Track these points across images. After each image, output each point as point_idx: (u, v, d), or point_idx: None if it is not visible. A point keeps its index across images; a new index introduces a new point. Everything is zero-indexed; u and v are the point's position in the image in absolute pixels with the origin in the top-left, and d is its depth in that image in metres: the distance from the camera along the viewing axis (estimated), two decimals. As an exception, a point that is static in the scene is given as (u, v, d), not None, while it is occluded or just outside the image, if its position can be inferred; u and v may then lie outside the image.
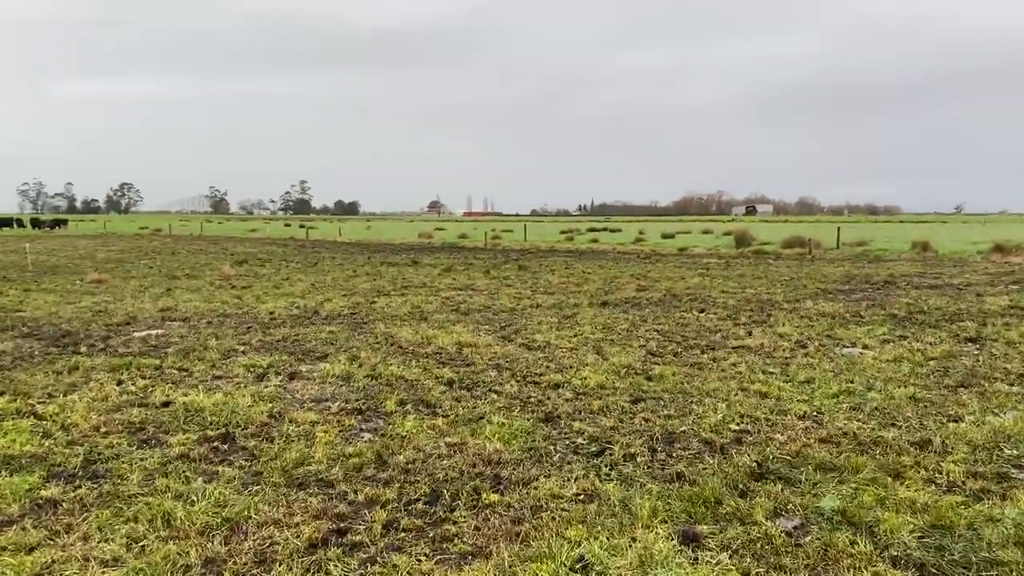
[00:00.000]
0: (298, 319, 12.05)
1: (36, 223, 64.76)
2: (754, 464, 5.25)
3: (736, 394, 7.22)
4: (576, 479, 5.01)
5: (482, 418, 6.37)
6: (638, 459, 5.44)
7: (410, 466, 5.25)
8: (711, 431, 6.08)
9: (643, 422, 6.35)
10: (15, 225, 62.64)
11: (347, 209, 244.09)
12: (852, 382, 7.60)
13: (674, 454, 5.57)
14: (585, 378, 7.80)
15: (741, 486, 4.85)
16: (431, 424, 6.19)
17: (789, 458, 5.39)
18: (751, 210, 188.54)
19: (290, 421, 6.28)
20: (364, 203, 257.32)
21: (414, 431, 6.00)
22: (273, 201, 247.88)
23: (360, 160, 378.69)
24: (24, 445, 5.48)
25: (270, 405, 6.71)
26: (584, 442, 5.85)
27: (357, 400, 6.98)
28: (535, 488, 4.84)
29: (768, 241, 34.88)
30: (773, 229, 57.36)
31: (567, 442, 5.85)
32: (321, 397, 7.12)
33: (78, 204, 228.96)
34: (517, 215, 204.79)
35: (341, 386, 7.54)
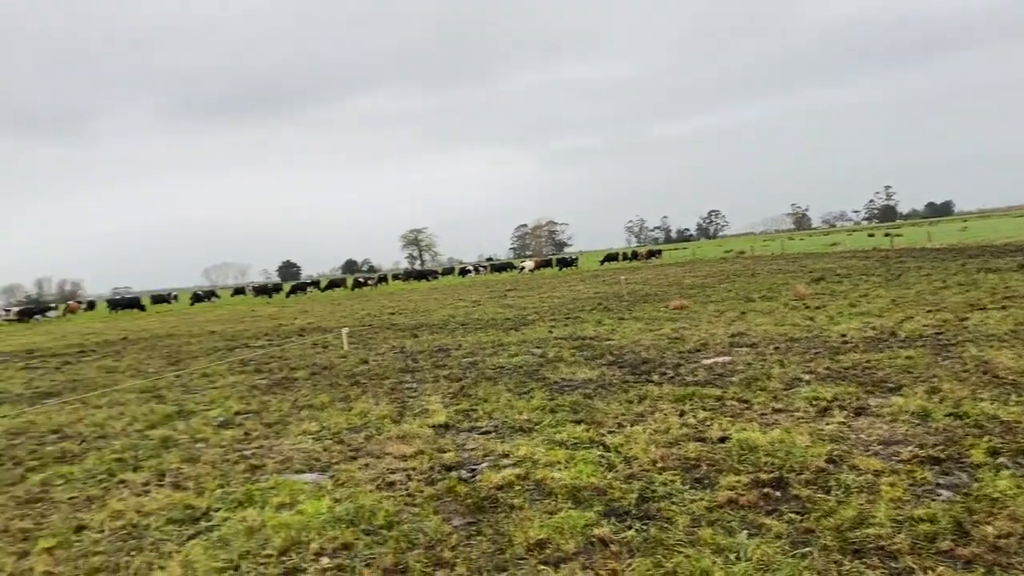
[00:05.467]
0: (872, 342, 10.97)
1: (616, 256, 72.77)
2: None
3: None
4: None
5: (1116, 482, 4.77)
6: None
7: (1002, 542, 4.12)
8: None
9: None
10: (620, 259, 71.35)
11: (939, 211, 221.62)
12: None
13: None
14: None
15: None
16: (1036, 485, 4.84)
17: None
18: None
19: (851, 468, 5.56)
20: (959, 202, 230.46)
21: (1010, 493, 4.76)
22: (856, 211, 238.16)
23: (952, 156, 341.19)
24: (589, 477, 5.85)
25: (830, 447, 6.06)
26: None
27: (934, 446, 5.88)
28: None
29: None
30: None
31: None
32: (890, 439, 6.20)
33: (673, 234, 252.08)
34: None
35: (916, 426, 6.48)
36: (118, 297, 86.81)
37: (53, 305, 70.36)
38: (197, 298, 66.16)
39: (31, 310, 61.24)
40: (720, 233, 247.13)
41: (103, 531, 5.72)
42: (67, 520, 6.04)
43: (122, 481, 7.07)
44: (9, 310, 62.87)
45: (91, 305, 72.81)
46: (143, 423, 9.81)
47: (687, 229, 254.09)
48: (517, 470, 6.17)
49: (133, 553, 5.21)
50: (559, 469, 6.11)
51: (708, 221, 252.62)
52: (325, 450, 7.58)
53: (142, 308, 59.35)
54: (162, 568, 4.87)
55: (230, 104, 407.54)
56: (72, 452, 8.50)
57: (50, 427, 10.16)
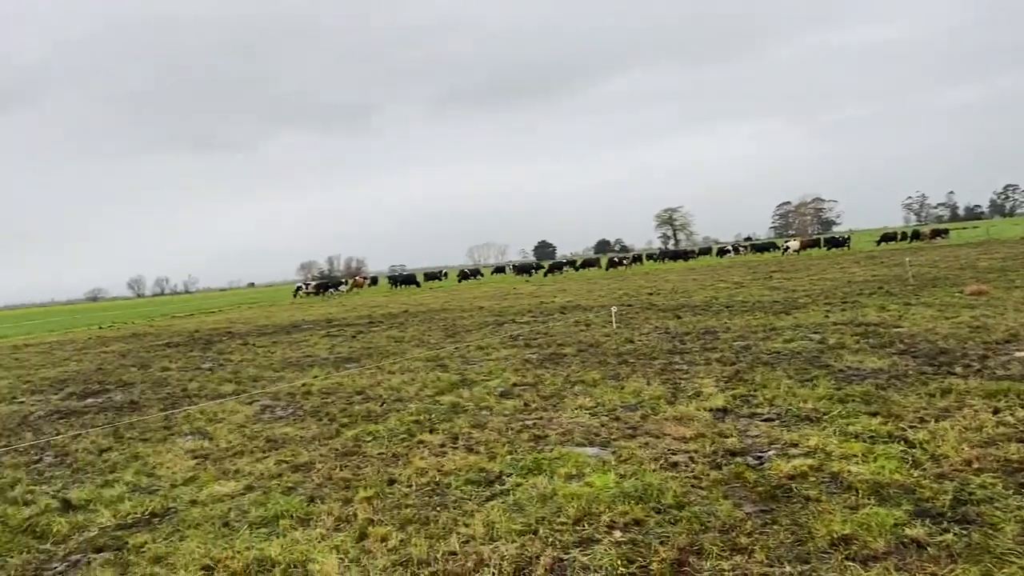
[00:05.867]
0: None
1: (894, 236, 66.32)
2: None
3: None
4: None
5: None
6: None
7: None
8: None
9: None
10: (900, 238, 65.44)
11: None
12: None
13: None
14: None
15: None
16: None
17: None
18: None
19: None
20: None
21: None
22: None
23: None
24: (893, 473, 5.45)
25: None
26: None
27: None
28: None
29: None
30: None
31: None
32: None
33: (960, 212, 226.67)
34: None
35: None
36: (396, 274, 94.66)
37: (343, 280, 78.16)
38: (463, 275, 70.33)
39: (325, 284, 68.65)
40: (1018, 210, 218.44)
41: (411, 486, 6.29)
42: (379, 473, 6.71)
43: (421, 441, 7.72)
44: (309, 284, 71.00)
45: (374, 281, 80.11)
46: (432, 389, 10.64)
47: (977, 206, 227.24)
48: (809, 461, 5.90)
49: (439, 509, 5.68)
50: (857, 463, 5.75)
51: (1003, 197, 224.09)
52: (603, 426, 7.75)
53: (417, 284, 64.32)
54: (466, 525, 5.25)
55: (492, 93, 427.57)
56: (375, 412, 9.42)
57: (354, 388, 11.34)
